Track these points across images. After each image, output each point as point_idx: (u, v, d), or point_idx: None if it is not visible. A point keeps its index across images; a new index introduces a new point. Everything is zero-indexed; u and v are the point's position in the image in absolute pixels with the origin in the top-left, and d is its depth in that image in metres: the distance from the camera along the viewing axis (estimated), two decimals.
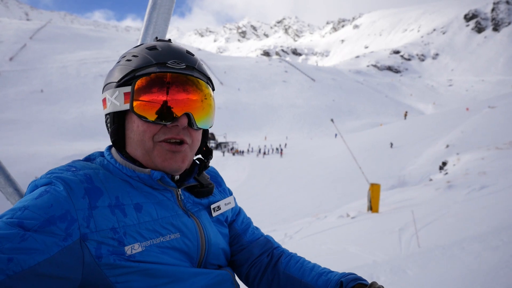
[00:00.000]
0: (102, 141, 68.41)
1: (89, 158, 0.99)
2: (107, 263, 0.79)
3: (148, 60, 0.92)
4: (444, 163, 24.14)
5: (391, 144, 36.26)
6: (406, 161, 34.19)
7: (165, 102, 0.90)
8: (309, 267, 1.08)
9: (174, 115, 0.91)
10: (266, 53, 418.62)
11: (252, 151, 51.08)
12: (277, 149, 50.29)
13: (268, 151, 50.55)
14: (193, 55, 0.99)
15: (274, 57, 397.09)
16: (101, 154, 1.02)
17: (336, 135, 63.36)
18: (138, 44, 1.48)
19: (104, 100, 0.98)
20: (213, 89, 1.05)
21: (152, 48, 0.95)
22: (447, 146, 32.01)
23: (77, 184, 0.82)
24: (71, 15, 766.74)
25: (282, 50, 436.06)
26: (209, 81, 1.02)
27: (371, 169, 33.96)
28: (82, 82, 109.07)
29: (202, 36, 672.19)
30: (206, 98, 0.97)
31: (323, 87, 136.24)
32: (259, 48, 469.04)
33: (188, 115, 0.92)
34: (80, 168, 0.89)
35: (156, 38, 1.04)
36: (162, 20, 1.50)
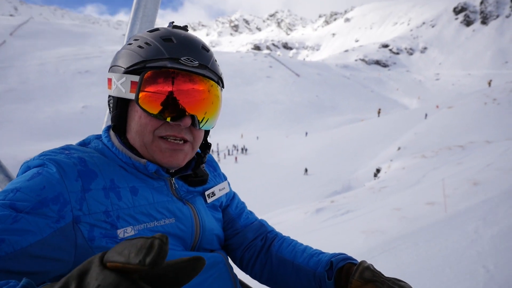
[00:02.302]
0: (73, 140, 66.50)
1: (84, 143, 0.99)
2: (99, 246, 0.79)
3: (161, 52, 0.90)
4: (378, 170, 23.38)
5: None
6: (361, 163, 33.45)
7: (171, 99, 0.89)
8: (301, 249, 1.10)
9: (179, 114, 0.90)
10: (257, 47, 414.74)
11: (217, 152, 50.07)
12: (242, 149, 49.39)
13: (232, 151, 49.64)
14: (208, 50, 0.97)
15: (265, 51, 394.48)
16: (97, 137, 1.01)
17: (306, 133, 62.49)
18: (130, 28, 1.46)
19: (109, 80, 0.96)
20: (223, 87, 1.04)
21: (167, 39, 0.92)
22: (399, 148, 31.18)
23: (70, 166, 0.81)
24: (61, 9, 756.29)
25: (273, 44, 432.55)
26: (220, 80, 1.01)
27: (327, 169, 33.26)
28: (60, 80, 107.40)
29: (194, 30, 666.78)
30: (213, 100, 0.96)
31: (307, 83, 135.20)
32: (250, 42, 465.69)
33: (192, 117, 0.91)
34: (74, 151, 0.88)
35: (172, 23, 1.01)
36: (152, 4, 1.46)
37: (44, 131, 74.06)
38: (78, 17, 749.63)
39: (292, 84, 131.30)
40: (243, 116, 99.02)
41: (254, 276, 1.16)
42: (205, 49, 0.96)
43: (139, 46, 0.92)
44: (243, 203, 1.28)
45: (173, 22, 1.02)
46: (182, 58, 0.90)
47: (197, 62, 0.91)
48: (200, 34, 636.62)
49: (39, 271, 0.73)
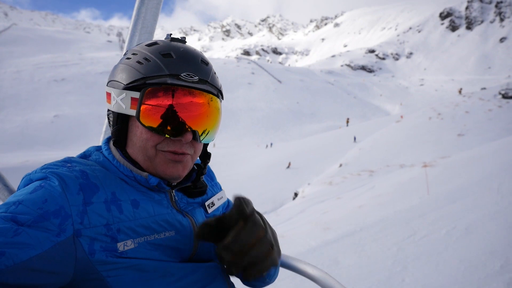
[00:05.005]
0: (41, 151, 65.26)
1: (84, 155, 1.00)
2: (99, 259, 0.80)
3: (160, 68, 0.91)
4: (296, 194, 22.44)
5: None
6: (306, 179, 32.46)
7: (173, 116, 0.90)
8: None
9: (181, 130, 0.91)
10: (247, 52, 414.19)
11: None
12: None
13: None
14: (207, 63, 0.98)
15: (254, 56, 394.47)
16: (97, 149, 1.02)
17: (272, 144, 61.51)
18: (129, 40, 1.48)
19: (109, 95, 0.97)
20: (223, 99, 1.05)
21: (166, 55, 0.93)
22: (340, 165, 30.14)
23: (72, 179, 0.82)
24: (53, 14, 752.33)
25: (263, 49, 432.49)
26: (219, 93, 1.02)
27: (271, 186, 32.20)
28: (34, 88, 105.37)
29: (186, 35, 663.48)
30: (213, 113, 0.97)
31: (289, 89, 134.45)
32: (239, 47, 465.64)
33: (193, 131, 0.93)
34: (76, 164, 0.89)
35: (170, 35, 1.02)
36: (151, 16, 1.49)
37: (11, 141, 72.21)
38: (70, 22, 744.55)
39: (273, 91, 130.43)
40: (220, 125, 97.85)
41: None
42: (204, 62, 0.97)
43: (138, 62, 0.93)
44: None
45: (171, 34, 1.03)
46: (182, 74, 0.91)
47: (197, 78, 0.93)
48: (192, 39, 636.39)
49: (38, 284, 0.73)
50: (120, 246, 0.83)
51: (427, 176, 8.48)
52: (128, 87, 0.92)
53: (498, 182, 8.54)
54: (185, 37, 1.02)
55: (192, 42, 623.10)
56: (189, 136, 0.92)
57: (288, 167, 35.93)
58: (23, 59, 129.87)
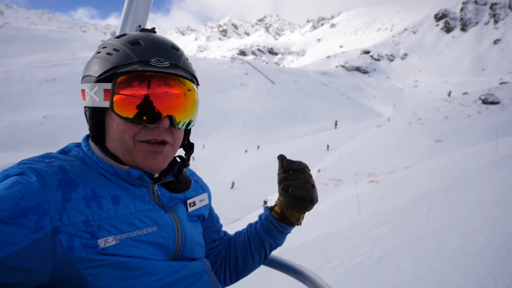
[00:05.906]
0: (28, 152, 64.79)
1: (64, 151, 0.98)
2: (79, 256, 0.78)
3: (130, 56, 0.89)
4: (265, 202, 22.15)
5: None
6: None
7: (147, 102, 0.88)
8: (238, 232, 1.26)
9: (156, 117, 0.89)
10: (242, 53, 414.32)
11: None
12: None
13: None
14: (178, 49, 0.96)
15: (250, 56, 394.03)
16: (77, 145, 1.00)
17: (246, 150, 60.92)
18: (119, 34, 1.44)
19: (83, 91, 0.96)
20: (198, 85, 1.04)
21: (134, 43, 0.92)
22: (319, 171, 29.76)
23: (51, 175, 0.80)
24: (49, 13, 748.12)
25: (259, 50, 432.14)
26: (193, 78, 1.00)
27: (249, 191, 31.75)
28: (24, 88, 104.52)
29: (183, 34, 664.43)
30: (188, 98, 0.95)
31: (282, 90, 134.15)
32: (235, 47, 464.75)
33: (170, 117, 0.91)
34: (55, 160, 0.86)
35: (139, 26, 1.01)
36: (142, 10, 1.47)
37: None
38: (66, 21, 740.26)
39: (266, 92, 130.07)
40: (210, 126, 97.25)
41: (224, 282, 1.23)
42: (174, 48, 0.95)
43: (108, 53, 0.92)
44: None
45: (140, 25, 1.03)
46: (152, 60, 0.89)
47: (167, 63, 0.91)
48: (188, 39, 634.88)
49: (16, 283, 0.72)
50: (101, 243, 0.81)
51: (359, 197, 8.18)
52: (100, 79, 0.91)
53: (430, 203, 8.24)
54: (154, 28, 1.02)
55: (189, 42, 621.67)
56: (166, 122, 0.90)
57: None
58: (15, 59, 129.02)
